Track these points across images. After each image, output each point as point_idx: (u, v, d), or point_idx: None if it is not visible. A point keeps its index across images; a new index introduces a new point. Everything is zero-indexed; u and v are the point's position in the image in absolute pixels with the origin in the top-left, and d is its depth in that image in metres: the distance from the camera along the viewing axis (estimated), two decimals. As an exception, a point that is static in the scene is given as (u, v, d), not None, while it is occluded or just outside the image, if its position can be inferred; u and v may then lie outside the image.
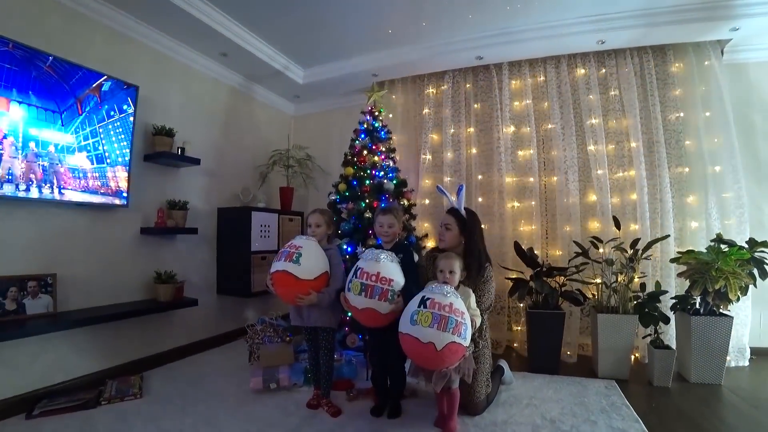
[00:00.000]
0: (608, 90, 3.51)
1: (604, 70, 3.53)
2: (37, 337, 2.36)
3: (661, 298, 2.86)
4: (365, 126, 3.26)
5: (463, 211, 2.35)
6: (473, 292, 2.21)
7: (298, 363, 2.76)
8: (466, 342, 1.89)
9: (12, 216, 2.33)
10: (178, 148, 3.19)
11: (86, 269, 2.70)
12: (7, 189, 2.20)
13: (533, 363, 3.02)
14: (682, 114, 3.34)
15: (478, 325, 2.08)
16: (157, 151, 3.06)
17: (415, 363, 2.05)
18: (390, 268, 2.09)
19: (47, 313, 2.42)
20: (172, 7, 2.79)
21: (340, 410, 2.31)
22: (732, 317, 2.71)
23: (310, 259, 2.19)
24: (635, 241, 2.96)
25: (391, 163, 3.20)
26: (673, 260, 2.99)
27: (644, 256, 2.95)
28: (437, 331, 1.80)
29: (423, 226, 3.75)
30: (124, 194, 2.81)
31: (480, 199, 3.72)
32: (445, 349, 1.80)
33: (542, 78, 3.67)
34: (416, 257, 2.46)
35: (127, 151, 2.82)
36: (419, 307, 1.89)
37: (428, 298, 1.90)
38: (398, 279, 2.09)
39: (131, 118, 2.84)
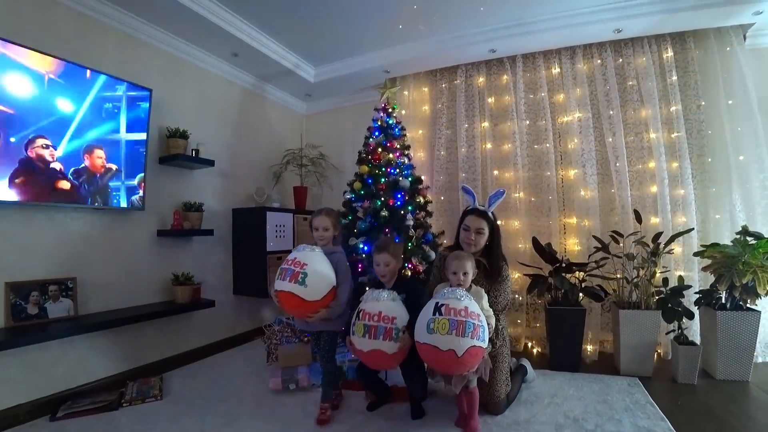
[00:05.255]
0: (626, 80, 3.41)
1: (621, 60, 3.44)
2: (60, 340, 2.39)
3: (684, 292, 2.78)
4: (379, 123, 3.22)
5: (491, 215, 2.32)
6: (489, 292, 2.19)
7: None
8: (485, 344, 1.86)
9: (32, 221, 2.36)
10: (192, 150, 3.20)
11: (105, 272, 2.73)
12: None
13: (554, 360, 2.98)
14: (703, 102, 3.24)
15: (493, 326, 2.05)
16: (172, 154, 3.07)
17: (435, 370, 2.02)
18: (392, 307, 2.04)
19: (69, 317, 2.45)
20: (182, 9, 2.79)
21: (329, 420, 2.17)
22: (759, 312, 2.62)
23: (316, 277, 2.10)
24: (657, 235, 2.89)
25: (406, 160, 3.16)
26: (696, 254, 2.90)
27: (666, 250, 2.88)
28: (456, 337, 1.76)
29: (438, 223, 3.73)
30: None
31: (495, 195, 3.67)
32: (466, 354, 1.77)
33: (557, 70, 3.59)
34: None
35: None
36: (434, 314, 1.84)
37: (442, 304, 1.85)
38: (401, 316, 2.03)
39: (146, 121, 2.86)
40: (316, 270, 2.11)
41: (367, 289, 2.42)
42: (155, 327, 2.99)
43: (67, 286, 2.47)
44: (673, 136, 3.25)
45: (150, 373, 2.85)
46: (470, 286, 2.10)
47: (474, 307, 1.89)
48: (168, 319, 3.05)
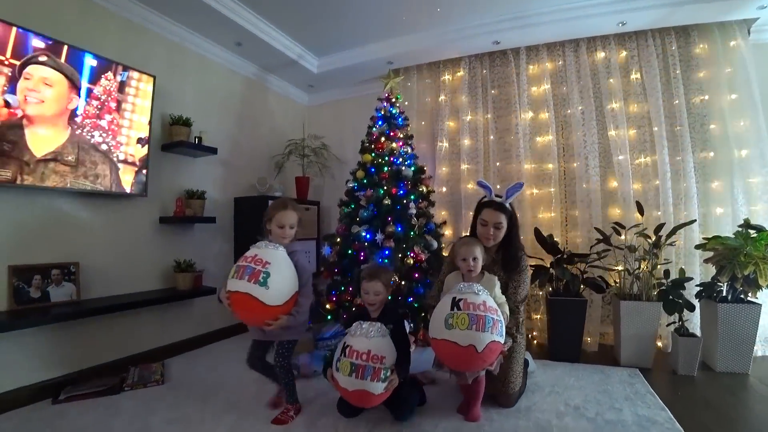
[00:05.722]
0: (629, 73, 3.41)
1: (624, 53, 3.44)
2: (62, 324, 2.40)
3: (685, 285, 2.79)
4: (382, 113, 3.22)
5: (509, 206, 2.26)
6: (509, 283, 2.17)
7: (318, 351, 2.76)
8: (503, 338, 1.86)
9: (34, 205, 2.36)
10: (195, 137, 3.20)
11: (108, 258, 2.73)
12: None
13: (554, 351, 2.99)
14: (706, 97, 3.24)
15: (507, 314, 2.03)
16: (175, 141, 3.06)
17: (450, 367, 1.98)
18: (381, 345, 1.86)
19: (71, 301, 2.45)
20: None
21: (287, 422, 2.03)
22: (760, 305, 2.63)
23: (280, 279, 1.85)
24: (659, 227, 2.89)
25: (409, 150, 3.17)
26: (698, 246, 2.91)
27: (668, 242, 2.88)
28: (476, 332, 1.74)
29: (440, 213, 3.74)
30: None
31: (498, 186, 3.66)
32: (486, 349, 1.75)
33: (561, 62, 3.59)
34: (408, 327, 2.33)
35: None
36: (452, 309, 1.82)
37: (460, 299, 1.83)
38: (390, 354, 1.87)
39: (150, 108, 2.86)
40: (280, 270, 1.87)
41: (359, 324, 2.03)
42: (157, 313, 2.99)
43: (69, 270, 2.46)
44: (675, 129, 3.25)
45: (151, 359, 2.86)
46: (482, 273, 2.09)
47: (491, 301, 1.88)
48: (169, 306, 3.06)
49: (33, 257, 2.34)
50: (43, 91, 2.26)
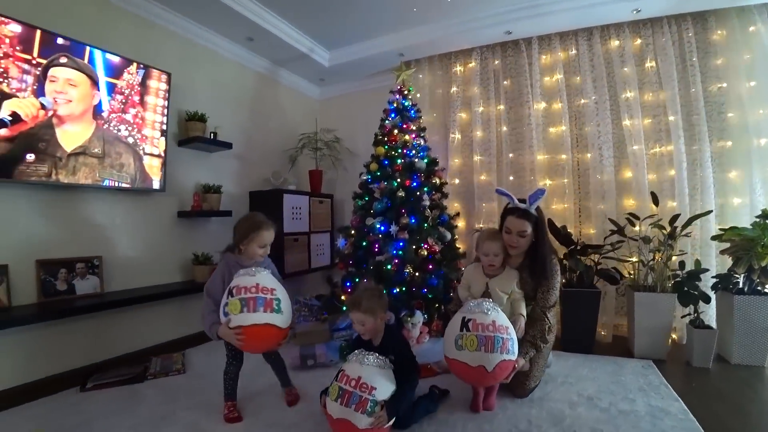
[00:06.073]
0: (644, 61, 3.35)
1: (639, 41, 3.37)
2: (87, 315, 2.49)
3: (701, 276, 2.77)
4: (395, 105, 3.24)
5: (534, 212, 2.19)
6: (538, 290, 2.17)
7: (334, 341, 2.81)
8: (515, 355, 1.88)
9: (59, 200, 2.44)
10: (210, 132, 3.25)
11: (129, 252, 2.81)
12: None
13: (567, 342, 2.98)
14: (724, 84, 3.16)
15: (524, 313, 2.05)
16: (191, 136, 3.12)
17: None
18: (374, 374, 1.71)
19: (95, 293, 2.55)
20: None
21: (298, 398, 2.17)
22: (778, 296, 2.61)
23: (285, 300, 1.92)
24: (674, 218, 2.86)
25: (422, 142, 3.18)
26: (714, 237, 2.88)
27: (683, 233, 2.85)
28: (485, 353, 1.78)
29: (453, 205, 3.75)
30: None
31: (511, 178, 3.66)
32: (496, 368, 1.79)
33: (574, 52, 3.55)
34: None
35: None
36: (462, 330, 1.85)
37: (469, 319, 1.86)
38: (383, 387, 1.69)
39: (166, 104, 2.92)
40: (283, 292, 1.94)
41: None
42: (176, 305, 3.07)
43: (93, 264, 2.55)
44: (692, 118, 3.19)
45: (172, 349, 2.95)
46: (503, 266, 2.11)
47: (502, 319, 1.88)
48: (188, 298, 3.11)
49: (58, 251, 2.42)
50: (69, 91, 2.36)
